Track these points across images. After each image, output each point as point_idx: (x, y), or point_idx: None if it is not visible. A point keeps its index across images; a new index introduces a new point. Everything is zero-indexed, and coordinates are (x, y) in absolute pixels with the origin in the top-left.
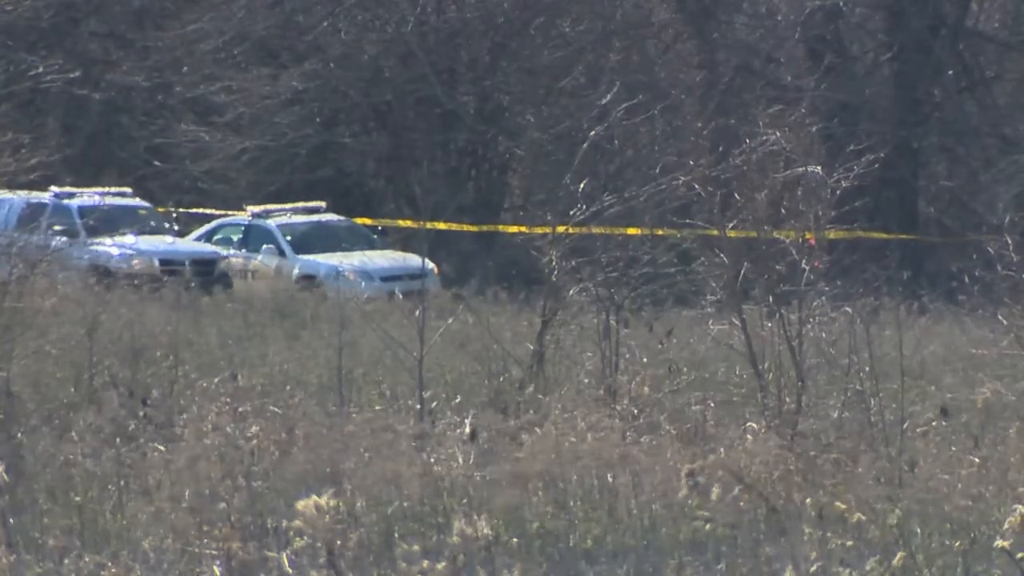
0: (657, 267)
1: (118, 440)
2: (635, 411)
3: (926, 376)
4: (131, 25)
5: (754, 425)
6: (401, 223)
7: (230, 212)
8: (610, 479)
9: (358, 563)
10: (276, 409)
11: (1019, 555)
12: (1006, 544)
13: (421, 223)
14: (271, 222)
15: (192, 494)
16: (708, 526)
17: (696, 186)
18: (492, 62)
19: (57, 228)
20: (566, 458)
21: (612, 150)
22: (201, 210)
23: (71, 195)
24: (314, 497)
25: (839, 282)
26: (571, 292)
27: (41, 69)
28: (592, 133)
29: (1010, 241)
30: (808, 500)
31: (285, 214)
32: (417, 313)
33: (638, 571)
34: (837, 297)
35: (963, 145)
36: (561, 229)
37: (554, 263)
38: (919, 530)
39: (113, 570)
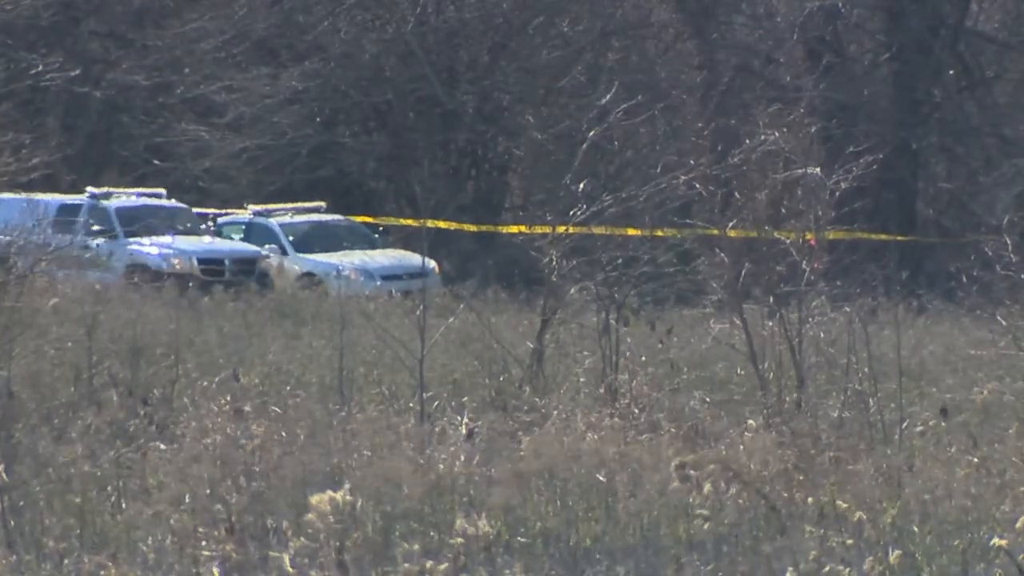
0: (657, 267)
1: (118, 440)
2: (635, 410)
3: (925, 376)
4: (131, 24)
5: (753, 423)
6: (401, 222)
7: (231, 211)
8: (610, 478)
9: (359, 563)
10: (277, 409)
11: (1020, 556)
12: (1003, 543)
13: (421, 222)
14: (273, 221)
15: (192, 494)
16: (708, 525)
17: (696, 186)
18: (492, 62)
19: (95, 228)
20: (566, 457)
21: (612, 150)
22: (202, 210)
23: (107, 195)
24: (328, 492)
25: (839, 282)
26: (571, 291)
27: (41, 68)
28: (592, 133)
29: (1009, 241)
30: (808, 499)
31: (286, 213)
32: (418, 312)
33: (638, 570)
34: (837, 297)
35: (963, 145)
36: (561, 229)
37: (554, 263)
38: (918, 529)
39: (113, 570)
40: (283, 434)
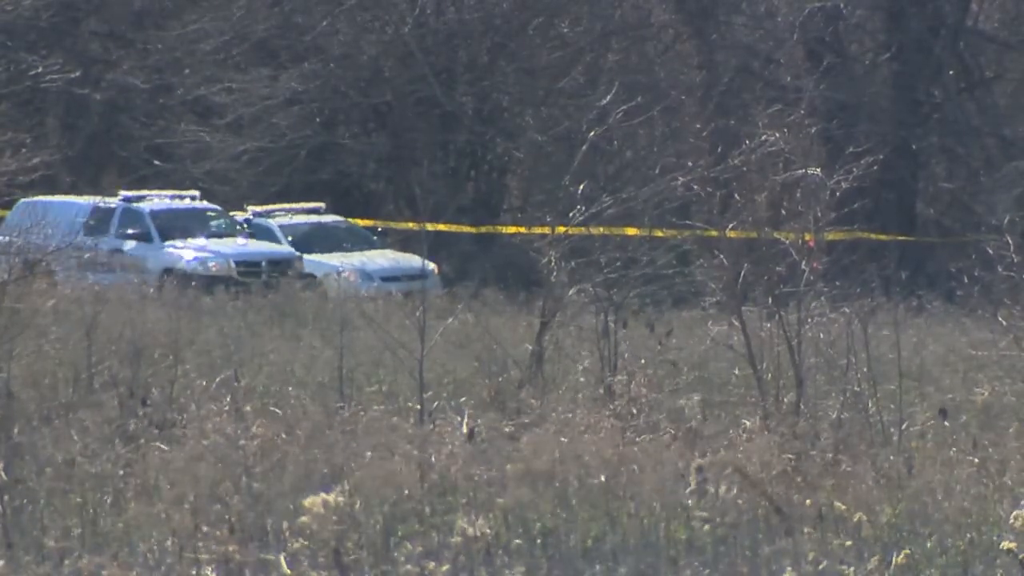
0: (656, 268)
1: (118, 440)
2: (634, 411)
3: (925, 377)
4: (131, 25)
5: (752, 424)
6: (401, 224)
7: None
8: (610, 479)
9: (359, 563)
10: (277, 409)
11: (1022, 556)
12: (1012, 545)
13: (421, 224)
14: (273, 222)
15: (192, 495)
16: (707, 526)
17: (695, 187)
18: (491, 63)
19: (130, 232)
20: (566, 458)
21: (611, 151)
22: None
23: (140, 199)
24: (322, 495)
25: (838, 283)
26: (570, 293)
27: (41, 69)
28: (591, 134)
29: (1010, 242)
30: (807, 500)
31: (286, 214)
32: (417, 313)
33: (638, 571)
34: (836, 298)
35: (963, 146)
36: (560, 230)
37: (553, 264)
38: (919, 530)
39: (113, 571)
40: (283, 435)
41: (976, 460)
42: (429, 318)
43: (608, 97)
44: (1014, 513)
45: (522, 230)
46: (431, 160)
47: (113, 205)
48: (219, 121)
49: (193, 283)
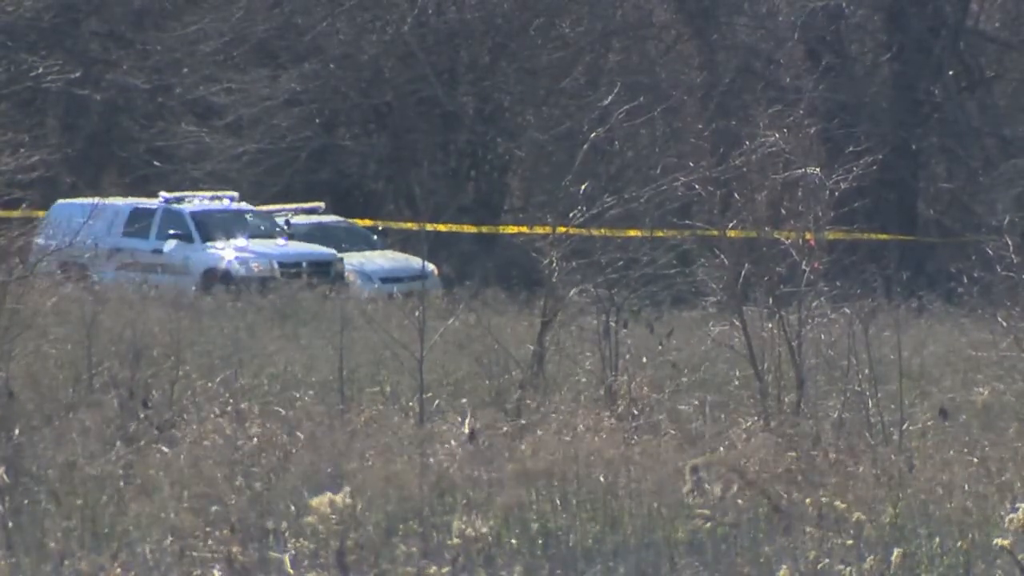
0: (657, 268)
1: (118, 441)
2: (635, 411)
3: (925, 377)
4: (131, 25)
5: (753, 425)
6: (401, 224)
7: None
8: (610, 479)
9: (358, 563)
10: (279, 409)
11: (1021, 556)
12: (1006, 543)
13: (421, 224)
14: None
15: (193, 495)
16: (708, 525)
17: (696, 187)
18: (492, 63)
19: (171, 233)
20: (566, 458)
21: (612, 151)
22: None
23: (180, 200)
24: (328, 495)
25: (838, 283)
26: (571, 293)
27: (41, 69)
28: (592, 134)
29: (1010, 242)
30: (808, 500)
31: (286, 215)
32: (417, 313)
33: (638, 571)
34: (836, 298)
35: (963, 146)
36: (561, 230)
37: (554, 264)
38: (919, 530)
39: (114, 571)
40: (283, 435)
41: (976, 460)
42: (430, 318)
43: (609, 97)
44: (1008, 516)
45: (523, 230)
46: (432, 160)
47: (153, 207)
48: (219, 122)
49: (234, 284)
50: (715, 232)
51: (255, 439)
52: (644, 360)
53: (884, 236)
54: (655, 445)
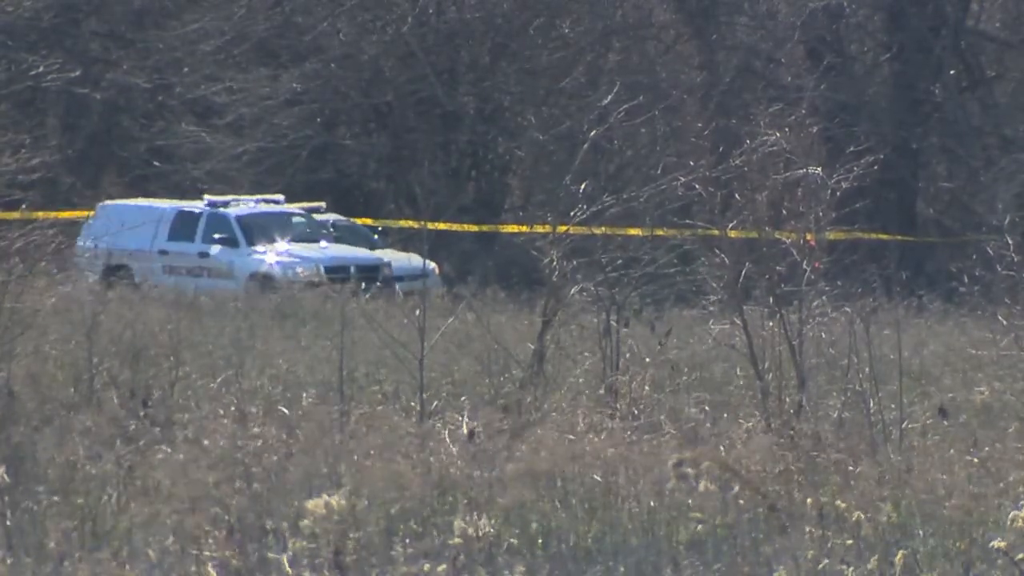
0: (658, 267)
1: (119, 441)
2: (635, 411)
3: (925, 376)
4: (131, 25)
5: (754, 424)
6: (402, 223)
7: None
8: (610, 478)
9: (359, 563)
10: (281, 409)
11: (1019, 556)
12: (1003, 544)
13: (422, 223)
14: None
15: (193, 495)
16: (708, 525)
17: (697, 186)
18: (492, 63)
19: (217, 236)
20: (567, 458)
21: (613, 151)
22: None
23: (226, 203)
24: (324, 496)
25: (839, 282)
26: (571, 292)
27: (42, 69)
28: (592, 134)
29: (1010, 241)
30: (808, 499)
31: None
32: (417, 313)
33: (638, 571)
34: (837, 297)
35: (963, 145)
36: (562, 229)
37: (555, 263)
38: (919, 529)
39: (114, 571)
40: (283, 435)
41: (976, 460)
42: (430, 318)
43: (609, 97)
44: (1011, 515)
45: (523, 229)
46: (432, 160)
47: (198, 210)
48: (219, 121)
49: (278, 287)
50: (716, 231)
51: (255, 439)
52: (645, 359)
53: (884, 236)
54: (655, 445)
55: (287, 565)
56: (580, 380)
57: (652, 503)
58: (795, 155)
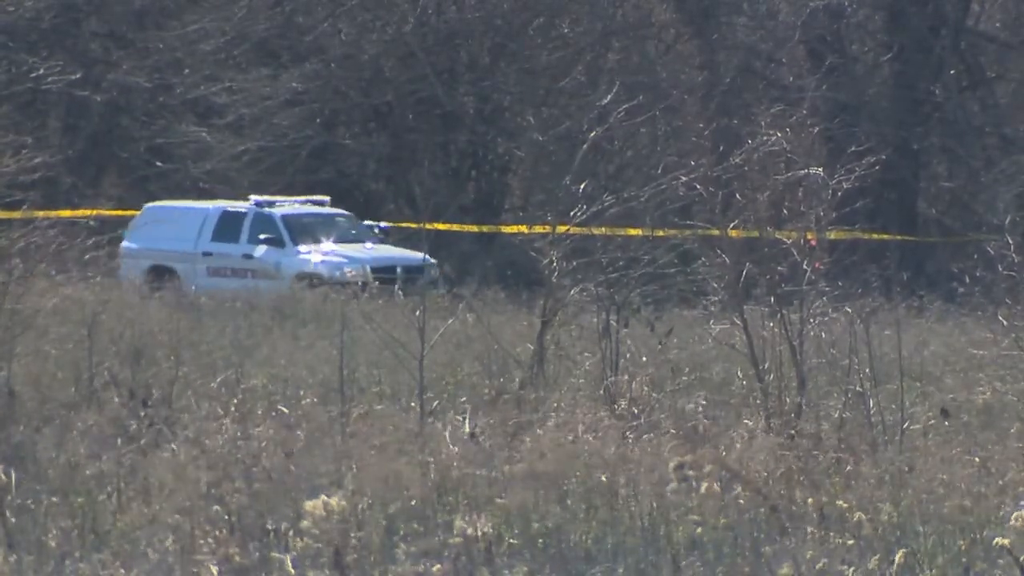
0: (658, 267)
1: (119, 441)
2: (635, 411)
3: (926, 376)
4: (132, 25)
5: (754, 424)
6: (402, 224)
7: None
8: (610, 479)
9: (359, 563)
10: (281, 409)
11: (1022, 557)
12: (1006, 542)
13: (421, 223)
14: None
15: (193, 495)
16: (708, 526)
17: (697, 187)
18: (492, 63)
19: (262, 237)
20: (567, 458)
21: (612, 151)
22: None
23: (271, 204)
24: (323, 497)
25: (840, 283)
26: (571, 292)
27: (42, 70)
28: (592, 134)
29: (1011, 241)
30: (809, 500)
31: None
32: (417, 312)
33: (638, 571)
34: (838, 297)
35: (964, 145)
36: (561, 229)
37: (554, 263)
38: (919, 529)
39: (114, 571)
40: (284, 435)
41: (977, 460)
42: (430, 318)
43: (609, 97)
44: (1015, 515)
45: (523, 229)
46: (432, 160)
47: (244, 210)
48: (220, 121)
49: (322, 287)
50: (716, 231)
51: (255, 439)
52: (644, 359)
53: (885, 236)
54: (655, 445)
55: (289, 565)
56: (580, 380)
57: (652, 503)
58: (796, 155)
